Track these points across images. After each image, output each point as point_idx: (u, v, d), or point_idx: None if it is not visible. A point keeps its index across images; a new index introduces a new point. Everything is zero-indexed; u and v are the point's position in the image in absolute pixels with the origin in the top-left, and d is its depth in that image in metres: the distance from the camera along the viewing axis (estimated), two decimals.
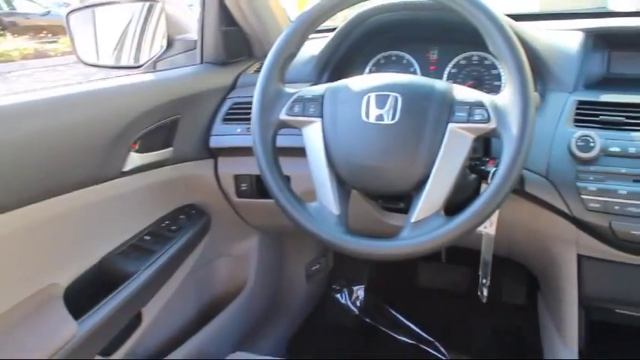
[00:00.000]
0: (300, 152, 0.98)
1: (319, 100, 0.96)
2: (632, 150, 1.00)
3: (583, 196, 1.01)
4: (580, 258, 1.13)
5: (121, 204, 1.19)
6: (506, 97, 0.86)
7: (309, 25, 0.99)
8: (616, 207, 0.98)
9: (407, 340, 1.92)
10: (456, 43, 1.29)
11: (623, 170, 0.99)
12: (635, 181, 0.98)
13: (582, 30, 1.23)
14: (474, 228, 0.85)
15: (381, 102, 0.91)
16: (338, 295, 2.09)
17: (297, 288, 1.93)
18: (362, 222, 1.18)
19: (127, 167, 1.17)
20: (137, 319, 1.27)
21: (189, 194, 1.40)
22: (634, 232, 0.98)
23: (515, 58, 0.85)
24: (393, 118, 0.89)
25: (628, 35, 1.25)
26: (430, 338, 1.90)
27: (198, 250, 1.43)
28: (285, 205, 0.94)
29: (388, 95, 0.91)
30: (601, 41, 1.23)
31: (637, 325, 1.15)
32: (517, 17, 1.18)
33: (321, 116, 0.95)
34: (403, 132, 0.89)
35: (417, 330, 1.94)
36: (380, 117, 0.90)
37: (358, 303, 2.07)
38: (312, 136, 0.95)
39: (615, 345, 1.22)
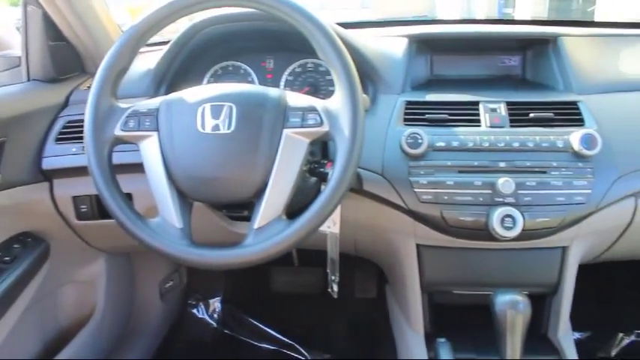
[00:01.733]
0: (140, 168, 0.96)
1: (154, 113, 0.95)
2: (455, 144, 1.11)
3: (416, 190, 1.10)
4: (419, 247, 1.21)
5: None
6: (336, 102, 0.91)
7: (139, 37, 0.97)
8: (445, 197, 1.09)
9: (268, 346, 1.95)
10: (291, 51, 1.34)
11: (449, 163, 1.10)
12: (459, 172, 1.10)
13: (406, 36, 1.33)
14: (315, 229, 0.89)
15: (215, 112, 0.92)
16: (195, 310, 2.07)
17: (152, 307, 1.87)
18: (209, 233, 1.18)
19: None
20: None
21: (24, 221, 1.31)
22: (461, 219, 1.09)
23: (342, 64, 0.90)
24: (229, 128, 0.90)
25: (446, 40, 1.39)
26: (290, 342, 1.95)
27: (38, 279, 1.34)
28: (125, 222, 0.92)
29: (223, 105, 0.92)
30: (424, 46, 1.35)
31: (473, 304, 1.25)
32: (346, 25, 1.26)
33: (157, 130, 0.94)
34: (240, 141, 0.90)
35: (277, 335, 1.98)
36: (216, 127, 0.91)
37: (216, 315, 2.06)
38: (149, 150, 0.94)
39: (458, 326, 1.33)
